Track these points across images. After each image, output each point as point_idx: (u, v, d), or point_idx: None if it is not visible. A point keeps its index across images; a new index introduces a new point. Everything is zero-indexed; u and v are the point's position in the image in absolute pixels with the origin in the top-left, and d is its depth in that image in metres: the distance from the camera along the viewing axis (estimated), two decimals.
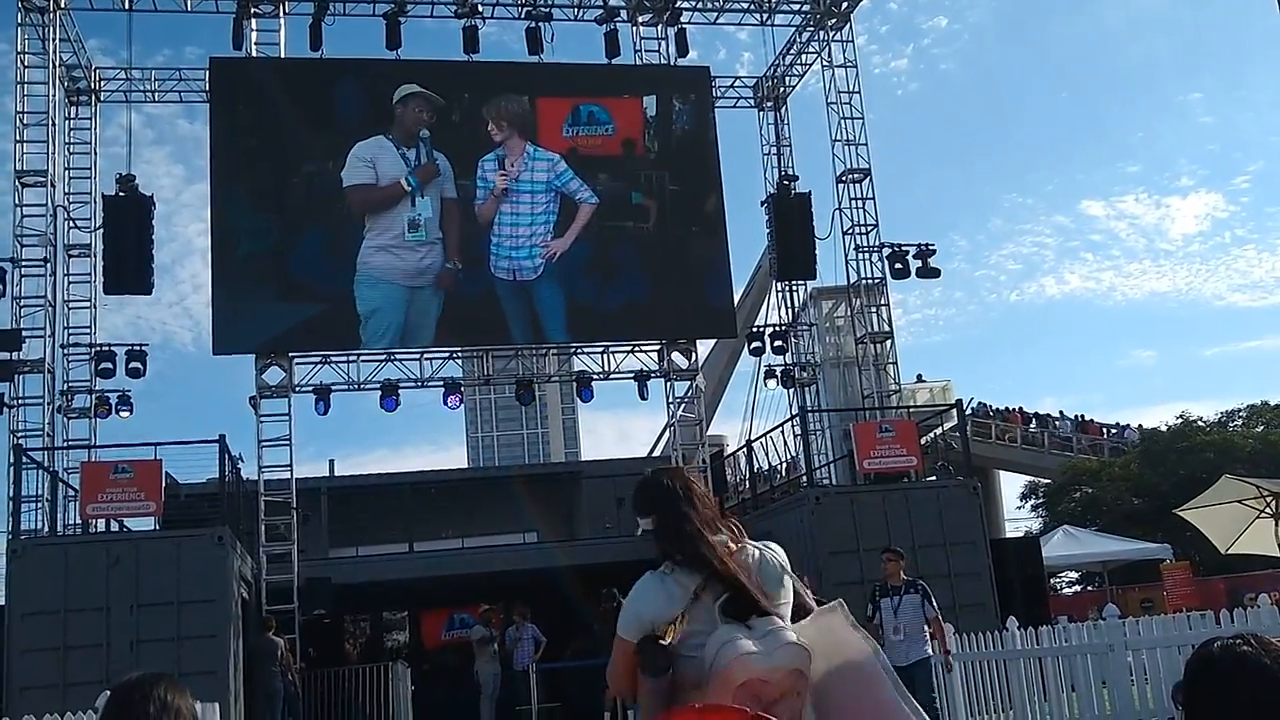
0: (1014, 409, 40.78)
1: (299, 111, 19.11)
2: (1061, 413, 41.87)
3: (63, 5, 19.24)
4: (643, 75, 20.85)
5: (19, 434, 17.73)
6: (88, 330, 20.19)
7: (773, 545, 3.14)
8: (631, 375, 20.19)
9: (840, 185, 21.86)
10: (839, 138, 21.95)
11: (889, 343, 21.79)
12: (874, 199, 21.76)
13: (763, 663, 2.77)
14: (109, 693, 2.78)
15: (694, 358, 20.40)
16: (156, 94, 21.68)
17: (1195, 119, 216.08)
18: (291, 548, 17.78)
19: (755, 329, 24.04)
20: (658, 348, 20.16)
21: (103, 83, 21.35)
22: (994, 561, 16.83)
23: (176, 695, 2.77)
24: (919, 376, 35.23)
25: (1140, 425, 42.37)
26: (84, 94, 21.10)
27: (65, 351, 19.61)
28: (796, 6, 22.35)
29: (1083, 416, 42.29)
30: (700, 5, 21.82)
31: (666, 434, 21.40)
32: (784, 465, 22.97)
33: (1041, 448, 39.78)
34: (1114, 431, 41.71)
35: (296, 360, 18.64)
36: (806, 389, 23.79)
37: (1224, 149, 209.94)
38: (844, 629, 3.01)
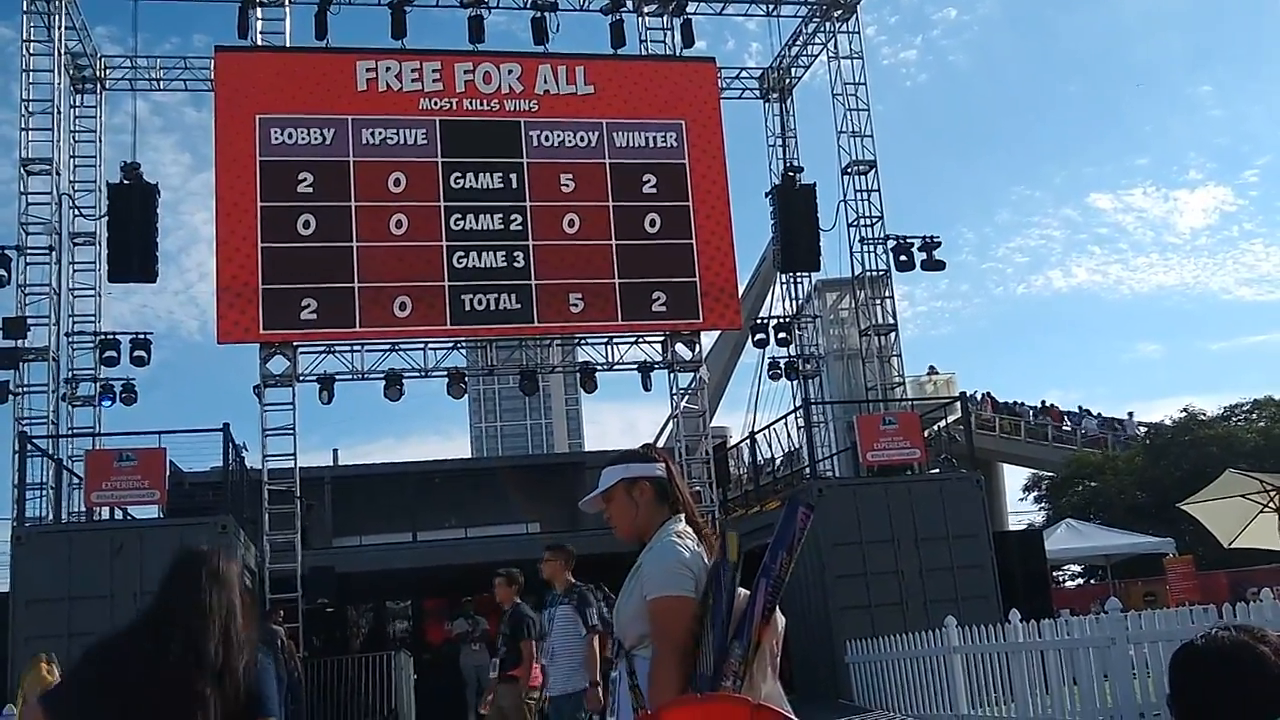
0: (985, 394, 40.78)
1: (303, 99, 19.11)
2: (1023, 402, 41.82)
3: None
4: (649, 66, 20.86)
5: (24, 421, 17.77)
6: (93, 318, 20.21)
7: None
8: (635, 366, 20.20)
9: (845, 177, 21.85)
10: (845, 129, 21.95)
11: (893, 335, 21.79)
12: (879, 191, 21.78)
13: (779, 614, 3.05)
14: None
15: (698, 349, 20.41)
16: (162, 82, 21.68)
17: (1205, 112, 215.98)
18: (295, 537, 17.82)
19: (759, 321, 24.03)
20: (661, 339, 20.17)
21: (108, 70, 21.35)
22: (997, 554, 16.83)
23: (228, 565, 3.21)
24: (931, 368, 35.22)
25: (1100, 413, 42.48)
26: (89, 82, 21.09)
27: (70, 339, 19.66)
28: None
29: (1045, 403, 42.34)
30: None
31: (670, 425, 21.41)
32: (786, 457, 22.95)
33: (1045, 441, 39.75)
34: (1073, 416, 41.73)
35: (301, 350, 18.66)
36: (810, 381, 23.79)
37: (1233, 142, 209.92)
38: None
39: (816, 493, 16.60)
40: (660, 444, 27.53)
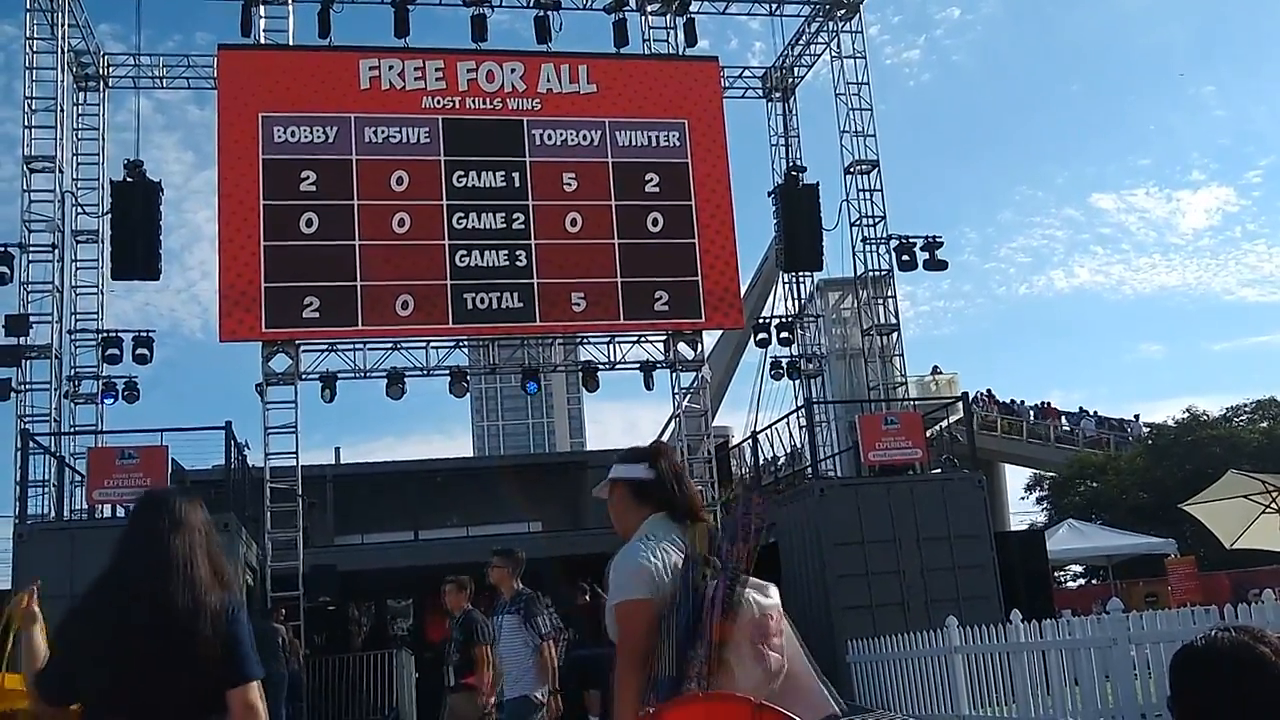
0: (985, 392, 40.83)
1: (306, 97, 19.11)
2: (1023, 401, 41.88)
3: None
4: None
5: (26, 419, 17.79)
6: (95, 316, 20.24)
7: None
8: (637, 366, 20.19)
9: (848, 176, 21.85)
10: (847, 129, 21.95)
11: (895, 335, 21.79)
12: (882, 190, 21.79)
13: (763, 599, 3.00)
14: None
15: (700, 348, 20.40)
16: (165, 80, 21.70)
17: (1208, 112, 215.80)
18: (297, 535, 17.83)
19: (761, 320, 24.02)
20: (664, 338, 20.16)
21: (111, 69, 21.37)
22: (998, 554, 16.82)
23: (190, 507, 3.18)
24: (935, 368, 35.24)
25: (1097, 412, 42.56)
26: (92, 79, 21.11)
27: (72, 337, 19.67)
28: None
29: (1047, 403, 42.38)
30: None
31: (672, 425, 21.41)
32: (788, 457, 22.95)
33: (1047, 441, 39.75)
34: (1071, 416, 41.74)
35: (303, 348, 18.67)
36: (812, 381, 23.79)
37: (1236, 143, 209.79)
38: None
39: (818, 492, 16.63)
40: None
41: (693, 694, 2.82)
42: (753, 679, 2.92)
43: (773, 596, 3.05)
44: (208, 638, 2.96)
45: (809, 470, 18.99)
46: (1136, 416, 42.82)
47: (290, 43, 19.76)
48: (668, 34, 21.27)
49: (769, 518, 3.19)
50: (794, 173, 22.79)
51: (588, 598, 16.61)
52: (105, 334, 20.00)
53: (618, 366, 20.32)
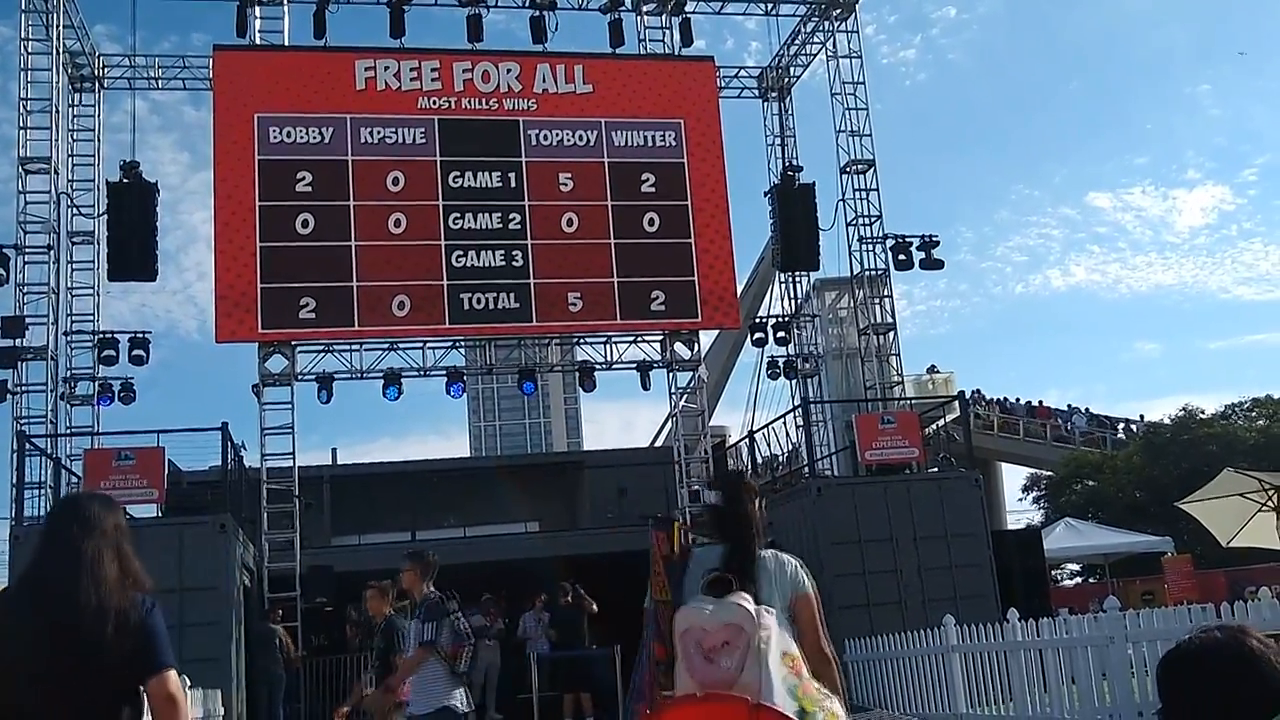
0: (975, 391, 40.81)
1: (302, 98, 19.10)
2: (1019, 399, 41.89)
3: None
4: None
5: (22, 421, 17.77)
6: (91, 317, 20.19)
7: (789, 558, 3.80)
8: (634, 365, 20.19)
9: (844, 176, 21.86)
10: (843, 128, 21.96)
11: (891, 334, 21.81)
12: (878, 190, 21.80)
13: (703, 616, 3.18)
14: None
15: (696, 348, 20.40)
16: (161, 81, 21.65)
17: (1204, 111, 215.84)
18: (294, 536, 17.82)
19: (758, 320, 24.03)
20: (660, 338, 20.16)
21: (107, 69, 21.33)
22: (995, 553, 16.84)
23: (104, 511, 3.20)
24: (932, 367, 35.25)
25: (1088, 409, 42.62)
26: (88, 80, 21.07)
27: (68, 338, 19.64)
28: None
29: (1038, 402, 42.45)
30: None
31: (669, 425, 21.42)
32: (785, 456, 22.98)
33: (1044, 440, 39.77)
34: (1061, 414, 41.77)
35: (299, 348, 18.66)
36: (809, 380, 23.80)
37: (1232, 141, 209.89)
38: None
39: (815, 491, 16.65)
40: (659, 443, 27.54)
41: (690, 695, 2.89)
42: (685, 688, 3.08)
43: (722, 615, 3.16)
44: (112, 637, 2.98)
45: (806, 469, 19.00)
46: (1141, 417, 42.82)
47: (285, 43, 19.76)
48: (663, 34, 21.29)
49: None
50: (790, 172, 22.79)
51: (569, 598, 16.71)
52: (101, 335, 19.96)
53: (614, 366, 20.32)
